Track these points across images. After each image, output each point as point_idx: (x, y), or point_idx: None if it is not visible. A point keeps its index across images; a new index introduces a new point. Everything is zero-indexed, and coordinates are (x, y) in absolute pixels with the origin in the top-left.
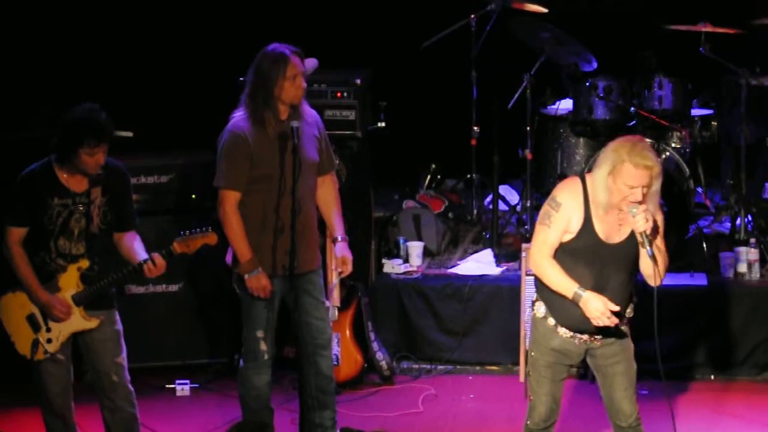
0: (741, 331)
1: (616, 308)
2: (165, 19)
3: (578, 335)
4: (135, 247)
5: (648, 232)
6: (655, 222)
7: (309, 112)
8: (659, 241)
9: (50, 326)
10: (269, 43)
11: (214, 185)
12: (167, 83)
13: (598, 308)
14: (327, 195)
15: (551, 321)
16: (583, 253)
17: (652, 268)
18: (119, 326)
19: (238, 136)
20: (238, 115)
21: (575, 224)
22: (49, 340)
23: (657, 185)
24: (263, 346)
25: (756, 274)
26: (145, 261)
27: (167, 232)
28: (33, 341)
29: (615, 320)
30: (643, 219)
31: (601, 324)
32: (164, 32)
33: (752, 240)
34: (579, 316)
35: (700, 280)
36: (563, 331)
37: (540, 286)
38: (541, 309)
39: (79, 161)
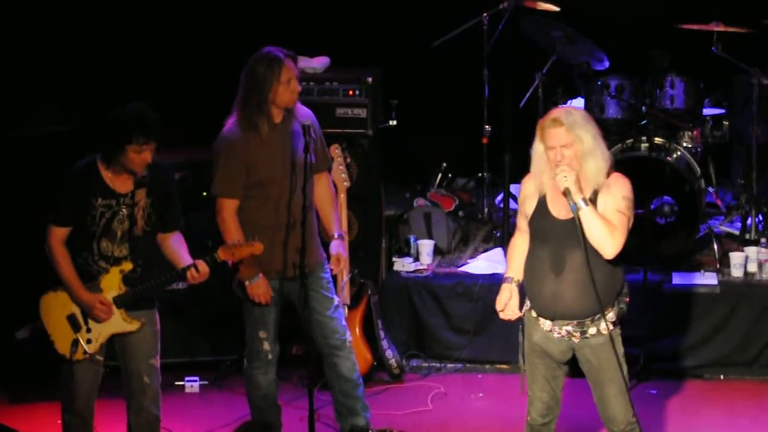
0: (751, 331)
1: (500, 309)
2: (176, 14)
3: (556, 329)
4: (179, 250)
5: (572, 189)
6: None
7: (303, 112)
8: (613, 215)
9: (90, 327)
10: (280, 43)
11: (210, 193)
12: (178, 80)
13: (497, 300)
14: (322, 193)
15: (534, 313)
16: (541, 233)
17: (599, 239)
18: (158, 327)
19: (231, 142)
20: (232, 121)
21: (530, 206)
22: (88, 341)
23: (582, 145)
24: (266, 346)
25: (766, 273)
26: (189, 267)
27: None
28: (73, 341)
29: (506, 316)
30: (561, 176)
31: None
32: (176, 28)
33: (763, 240)
34: (544, 297)
35: (710, 279)
36: (542, 322)
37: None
38: (528, 302)
39: (126, 159)
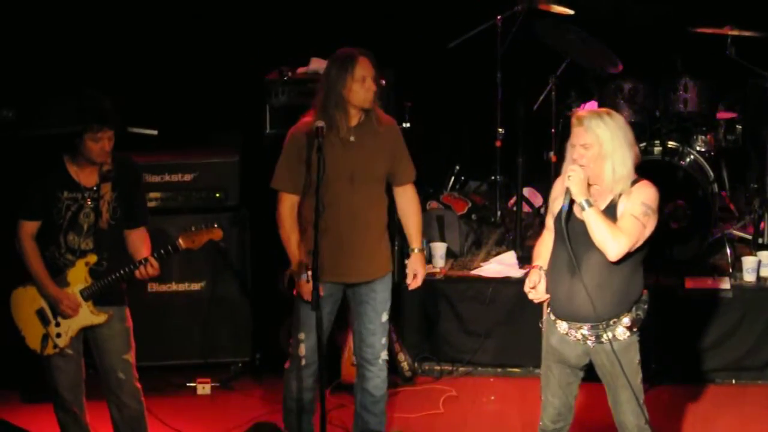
0: (763, 336)
1: (530, 287)
2: (192, 18)
3: (572, 331)
4: (140, 247)
5: (572, 190)
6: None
7: (384, 120)
8: (625, 219)
9: (59, 321)
10: (295, 44)
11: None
12: (193, 82)
13: (527, 281)
14: (404, 206)
15: (552, 315)
16: (561, 232)
17: (600, 241)
18: (129, 323)
19: (295, 138)
20: (304, 120)
21: (558, 205)
22: (58, 335)
23: (601, 148)
24: (302, 351)
25: None
26: (141, 263)
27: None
28: (43, 336)
29: (535, 296)
30: (567, 175)
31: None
32: (191, 30)
33: None
34: (559, 297)
35: (722, 284)
36: (559, 324)
37: None
38: (549, 302)
39: (84, 148)
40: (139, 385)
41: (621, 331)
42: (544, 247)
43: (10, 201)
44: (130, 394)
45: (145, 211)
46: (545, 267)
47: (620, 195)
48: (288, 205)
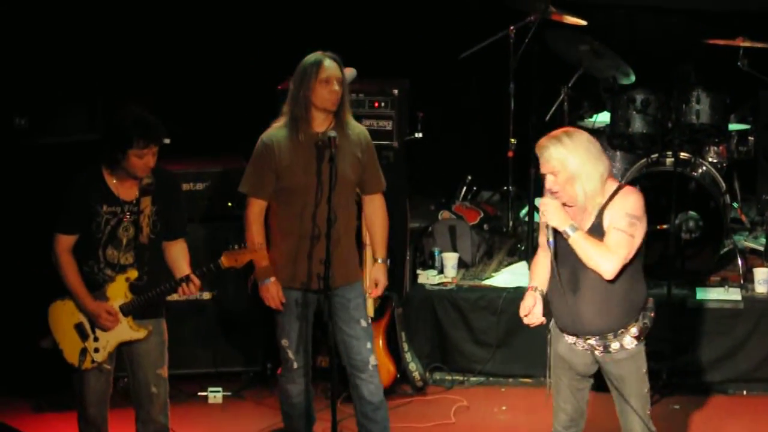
0: None
1: (524, 314)
2: (204, 26)
3: (579, 341)
4: (179, 260)
5: (551, 224)
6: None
7: (355, 129)
8: (611, 235)
9: (98, 335)
10: (307, 54)
11: (238, 188)
12: (205, 90)
13: (522, 305)
14: (372, 215)
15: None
16: (559, 252)
17: (592, 264)
18: (165, 336)
19: (265, 144)
20: (276, 124)
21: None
22: (96, 350)
23: (566, 171)
24: (290, 355)
25: None
26: (183, 280)
27: (202, 239)
28: (81, 350)
29: (530, 321)
30: (541, 212)
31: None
32: (202, 39)
33: None
34: (563, 316)
35: (734, 295)
36: (567, 336)
37: None
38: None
39: (128, 164)
40: (168, 401)
41: (629, 340)
42: (540, 267)
43: (26, 209)
44: (159, 410)
45: (185, 223)
46: (542, 288)
47: (600, 208)
48: (256, 210)
